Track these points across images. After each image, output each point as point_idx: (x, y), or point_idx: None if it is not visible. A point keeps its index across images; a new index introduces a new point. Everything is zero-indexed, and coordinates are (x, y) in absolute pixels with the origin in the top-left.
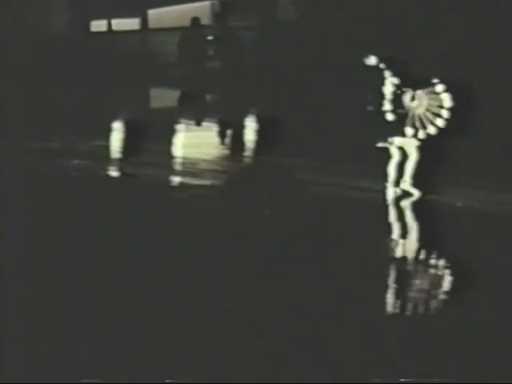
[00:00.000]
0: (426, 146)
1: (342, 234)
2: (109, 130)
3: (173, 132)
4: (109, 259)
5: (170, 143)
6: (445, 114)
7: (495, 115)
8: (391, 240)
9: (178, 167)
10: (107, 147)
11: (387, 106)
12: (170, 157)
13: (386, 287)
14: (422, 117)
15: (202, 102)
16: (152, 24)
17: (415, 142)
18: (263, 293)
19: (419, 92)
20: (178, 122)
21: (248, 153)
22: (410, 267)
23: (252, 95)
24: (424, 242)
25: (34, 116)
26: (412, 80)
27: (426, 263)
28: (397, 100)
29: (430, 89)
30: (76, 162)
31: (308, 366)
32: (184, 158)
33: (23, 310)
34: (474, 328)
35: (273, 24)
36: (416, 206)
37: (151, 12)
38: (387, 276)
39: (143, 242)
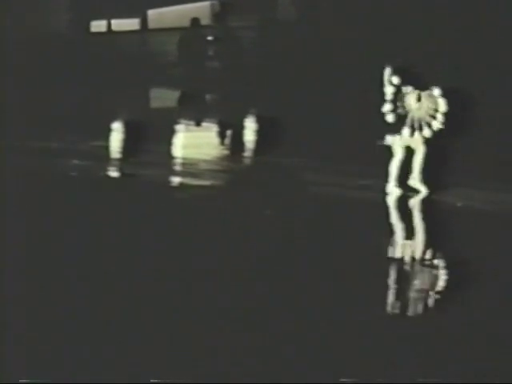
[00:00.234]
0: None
1: (343, 233)
2: (109, 131)
3: (173, 132)
4: (109, 259)
5: (169, 143)
6: (440, 117)
7: (495, 115)
8: (391, 240)
9: (177, 167)
10: (107, 147)
11: (387, 106)
12: (170, 157)
13: (386, 287)
14: (421, 118)
15: (201, 102)
16: (152, 24)
17: (422, 139)
18: (263, 293)
19: (423, 94)
20: (177, 123)
21: (248, 153)
22: (410, 267)
23: (252, 95)
24: (424, 241)
25: (34, 116)
26: (412, 80)
27: (425, 263)
28: (397, 100)
29: (429, 91)
30: (76, 162)
31: (308, 366)
32: (184, 159)
33: (23, 310)
34: (473, 328)
35: (273, 24)
36: (416, 206)
37: (151, 12)
38: (387, 276)
39: (143, 242)
